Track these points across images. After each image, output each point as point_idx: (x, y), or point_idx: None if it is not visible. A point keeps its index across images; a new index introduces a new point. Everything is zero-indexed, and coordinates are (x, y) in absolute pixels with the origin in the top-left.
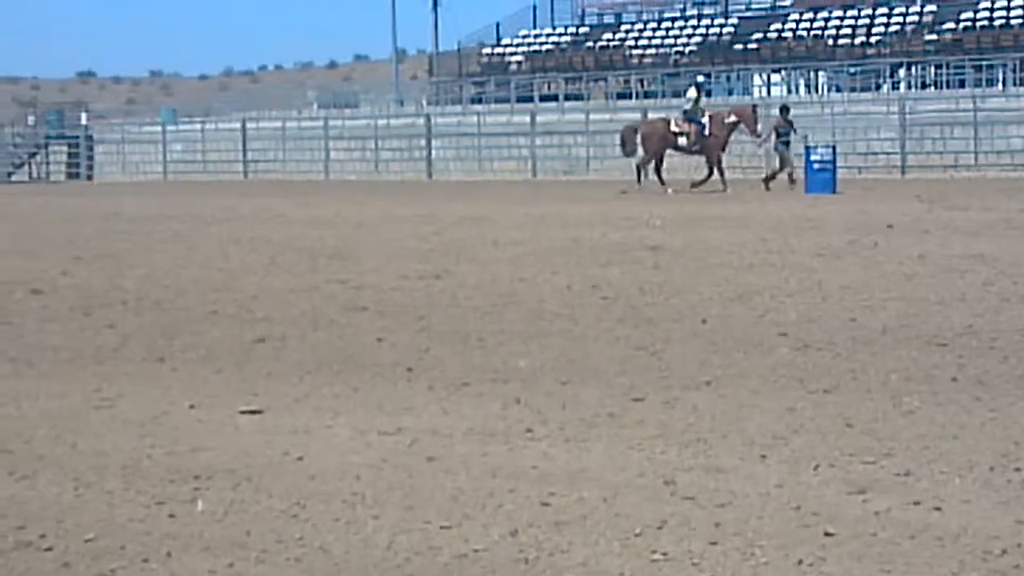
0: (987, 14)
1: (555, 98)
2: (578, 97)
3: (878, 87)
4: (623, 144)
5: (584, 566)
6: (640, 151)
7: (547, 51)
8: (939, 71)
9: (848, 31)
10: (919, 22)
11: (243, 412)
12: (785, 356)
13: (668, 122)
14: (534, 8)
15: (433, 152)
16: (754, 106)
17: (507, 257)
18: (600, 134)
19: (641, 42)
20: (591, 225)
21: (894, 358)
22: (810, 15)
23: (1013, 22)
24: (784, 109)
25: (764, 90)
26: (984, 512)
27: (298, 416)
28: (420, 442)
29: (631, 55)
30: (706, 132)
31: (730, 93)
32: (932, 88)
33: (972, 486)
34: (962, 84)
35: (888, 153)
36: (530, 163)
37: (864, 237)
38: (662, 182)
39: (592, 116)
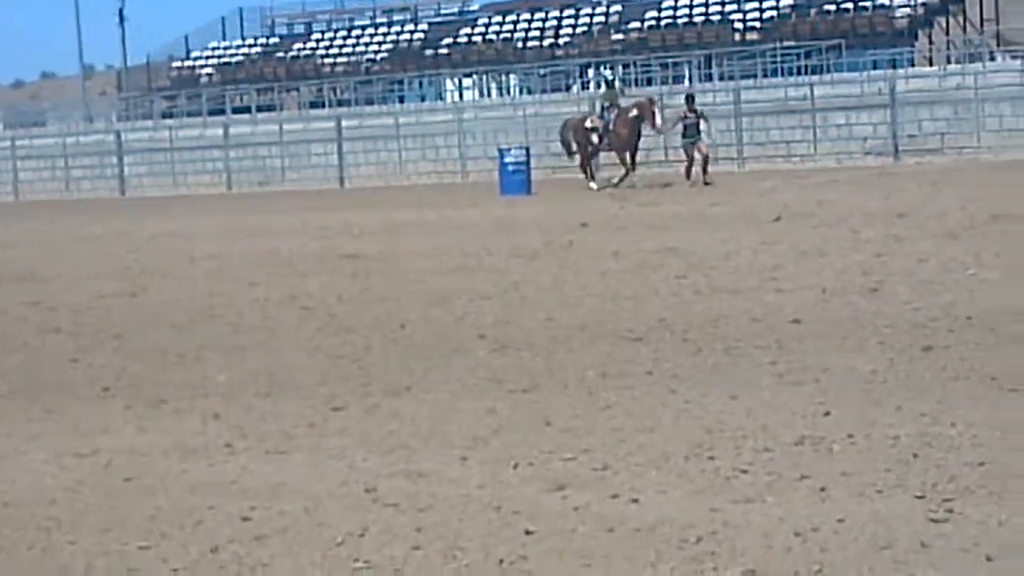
0: (671, 12)
1: (248, 110)
2: (271, 108)
3: (568, 88)
4: (563, 143)
5: None
6: (573, 148)
7: (237, 63)
8: (627, 70)
9: (536, 33)
10: (605, 22)
11: None
12: (484, 358)
13: (585, 119)
14: (223, 20)
15: (125, 168)
16: (650, 98)
17: (204, 271)
18: (294, 144)
19: (332, 51)
20: (288, 236)
21: (591, 354)
22: (499, 19)
23: (696, 19)
24: (689, 98)
25: (456, 95)
26: (680, 502)
27: None
28: (117, 462)
29: (323, 64)
30: (611, 128)
31: (423, 99)
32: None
33: (668, 477)
34: (649, 82)
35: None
36: (225, 176)
37: (559, 237)
38: (587, 176)
39: (286, 126)
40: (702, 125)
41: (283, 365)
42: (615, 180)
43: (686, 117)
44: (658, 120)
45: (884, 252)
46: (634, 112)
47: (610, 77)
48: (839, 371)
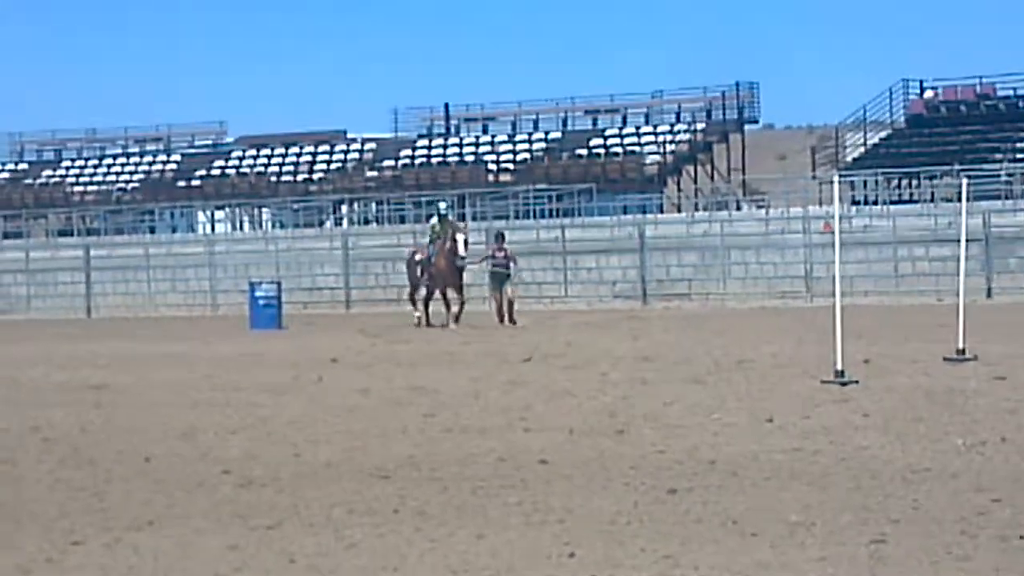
0: (426, 152)
1: None
2: (17, 235)
3: (321, 223)
4: None
5: None
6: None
7: None
8: (380, 207)
9: (291, 168)
10: (360, 159)
11: None
12: (228, 493)
13: (415, 252)
14: None
15: None
16: (454, 224)
17: None
18: (41, 272)
19: (82, 179)
20: (32, 365)
21: (338, 492)
22: (253, 152)
23: (451, 159)
24: (499, 236)
25: (208, 227)
26: None
27: None
28: None
29: (72, 192)
30: (432, 260)
31: (174, 230)
32: (374, 224)
33: None
34: (403, 220)
35: (332, 288)
36: None
37: (308, 372)
38: (415, 308)
39: (32, 254)
40: (512, 266)
41: (22, 498)
42: (450, 317)
43: (494, 257)
44: (460, 246)
45: (631, 395)
46: (449, 243)
47: (443, 210)
48: (584, 512)
